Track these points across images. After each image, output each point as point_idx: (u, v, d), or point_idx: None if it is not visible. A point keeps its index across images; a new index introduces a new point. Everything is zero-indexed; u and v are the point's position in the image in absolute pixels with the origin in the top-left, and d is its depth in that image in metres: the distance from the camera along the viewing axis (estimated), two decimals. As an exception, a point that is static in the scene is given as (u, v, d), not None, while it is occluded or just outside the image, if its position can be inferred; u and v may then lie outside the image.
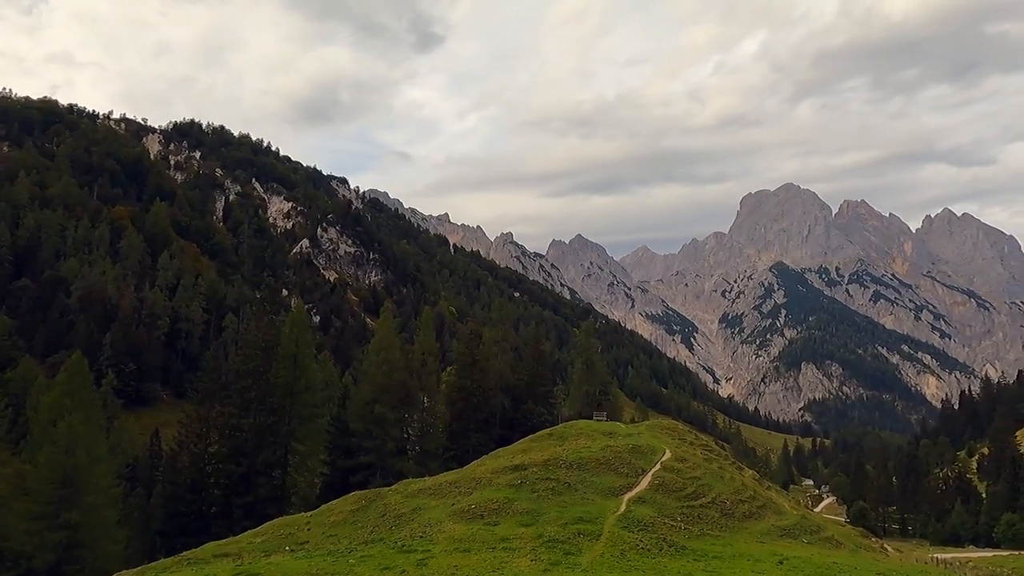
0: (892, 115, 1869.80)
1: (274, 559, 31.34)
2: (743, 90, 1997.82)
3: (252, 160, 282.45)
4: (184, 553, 35.53)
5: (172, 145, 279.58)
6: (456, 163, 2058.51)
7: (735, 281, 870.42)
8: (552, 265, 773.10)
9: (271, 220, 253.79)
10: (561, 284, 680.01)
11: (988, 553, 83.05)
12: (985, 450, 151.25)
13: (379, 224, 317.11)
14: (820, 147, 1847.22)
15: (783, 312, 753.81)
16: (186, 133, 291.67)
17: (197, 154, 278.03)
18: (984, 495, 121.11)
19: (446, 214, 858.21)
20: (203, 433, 57.90)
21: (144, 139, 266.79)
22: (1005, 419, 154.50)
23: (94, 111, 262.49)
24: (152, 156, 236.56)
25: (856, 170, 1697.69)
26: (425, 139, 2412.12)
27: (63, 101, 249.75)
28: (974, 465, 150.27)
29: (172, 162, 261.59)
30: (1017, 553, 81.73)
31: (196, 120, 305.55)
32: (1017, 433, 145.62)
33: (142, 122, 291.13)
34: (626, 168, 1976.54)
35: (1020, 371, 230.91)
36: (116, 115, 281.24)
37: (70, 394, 52.25)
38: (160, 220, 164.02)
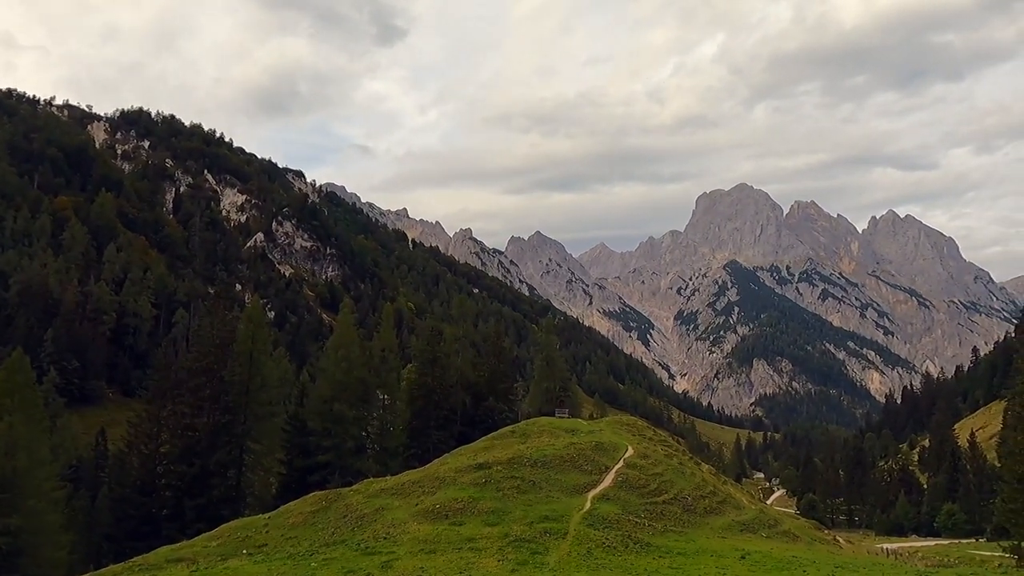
0: (842, 119, 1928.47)
1: (231, 563, 30.34)
2: (701, 91, 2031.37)
3: (204, 151, 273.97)
4: (135, 559, 34.13)
5: (119, 134, 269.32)
6: (417, 157, 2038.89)
7: (690, 279, 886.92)
8: (511, 261, 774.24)
9: (224, 213, 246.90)
10: (520, 280, 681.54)
11: (931, 542, 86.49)
12: (926, 443, 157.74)
13: (336, 218, 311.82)
14: (773, 149, 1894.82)
15: (736, 309, 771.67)
16: (134, 122, 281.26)
17: (146, 143, 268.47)
18: (925, 486, 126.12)
19: (404, 209, 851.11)
20: (154, 433, 55.89)
21: (89, 127, 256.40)
22: (944, 413, 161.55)
23: (35, 96, 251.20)
24: (97, 145, 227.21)
25: (808, 172, 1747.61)
26: (385, 133, 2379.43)
27: (5, 86, 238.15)
28: (915, 457, 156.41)
29: (119, 151, 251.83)
30: (958, 542, 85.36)
31: (145, 108, 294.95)
32: (956, 426, 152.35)
33: (87, 109, 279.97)
34: (586, 166, 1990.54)
35: (957, 367, 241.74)
36: (59, 101, 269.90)
37: (10, 393, 49.66)
38: (106, 211, 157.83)
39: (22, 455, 45.34)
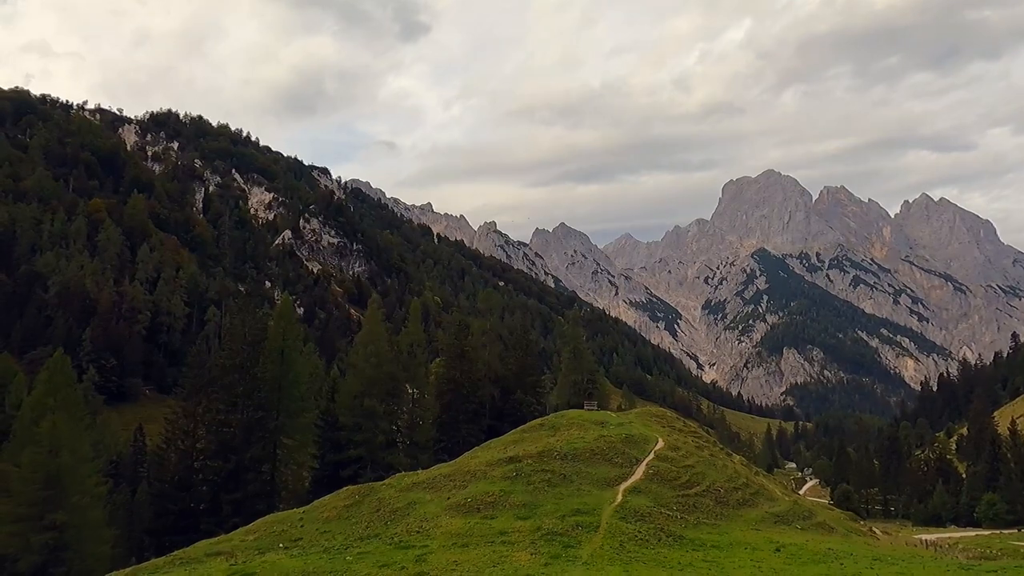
0: (874, 102, 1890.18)
1: (268, 557, 30.84)
2: (728, 78, 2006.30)
3: (231, 151, 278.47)
4: (175, 552, 34.89)
5: (149, 136, 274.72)
6: (441, 153, 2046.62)
7: (717, 268, 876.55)
8: (536, 254, 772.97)
9: (252, 211, 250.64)
10: (545, 273, 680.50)
11: (971, 533, 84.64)
12: (964, 431, 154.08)
13: (362, 215, 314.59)
14: (803, 134, 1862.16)
15: (765, 298, 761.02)
16: (163, 124, 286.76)
17: (175, 145, 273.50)
18: (964, 475, 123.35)
19: (429, 204, 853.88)
20: (190, 429, 57.01)
21: (120, 130, 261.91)
22: (983, 400, 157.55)
23: (67, 101, 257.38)
24: (128, 147, 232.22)
25: (839, 157, 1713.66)
26: (410, 129, 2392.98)
27: (40, 92, 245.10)
28: (953, 446, 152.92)
29: (149, 153, 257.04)
30: (999, 532, 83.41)
31: (173, 110, 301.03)
32: (995, 414, 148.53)
33: (117, 112, 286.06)
34: (612, 156, 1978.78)
35: (996, 353, 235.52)
36: (91, 105, 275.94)
37: (52, 393, 51.13)
38: (138, 213, 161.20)
39: (65, 452, 46.63)
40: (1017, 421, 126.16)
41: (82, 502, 47.41)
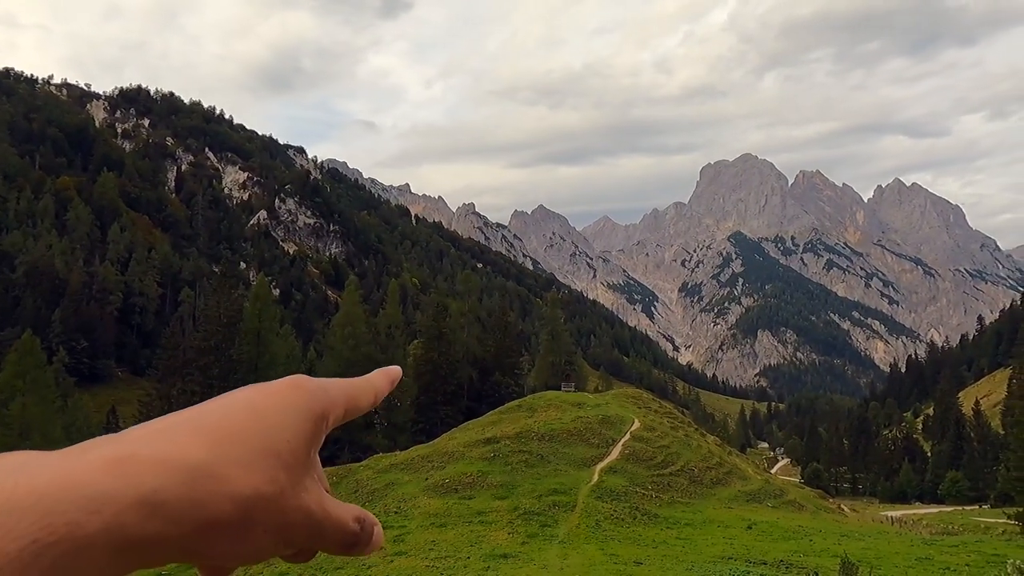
0: (853, 87, 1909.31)
1: (246, 539, 30.84)
2: (710, 61, 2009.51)
3: (204, 129, 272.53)
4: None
5: (119, 112, 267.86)
6: (421, 133, 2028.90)
7: (694, 251, 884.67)
8: (515, 236, 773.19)
9: (226, 191, 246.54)
10: (524, 255, 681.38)
11: (934, 509, 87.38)
12: (930, 411, 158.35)
13: (339, 195, 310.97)
14: (783, 118, 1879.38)
15: (740, 281, 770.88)
16: (133, 100, 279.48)
17: (146, 122, 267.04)
18: (929, 454, 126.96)
19: (407, 184, 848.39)
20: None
21: (88, 105, 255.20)
22: (949, 381, 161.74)
23: (33, 75, 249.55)
24: (97, 124, 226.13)
25: (817, 141, 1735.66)
26: (390, 108, 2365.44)
27: (3, 65, 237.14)
28: (919, 425, 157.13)
29: (119, 130, 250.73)
30: (961, 509, 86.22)
31: (144, 86, 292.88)
32: (960, 394, 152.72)
33: (85, 87, 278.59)
34: (593, 138, 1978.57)
35: (962, 335, 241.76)
36: (57, 80, 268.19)
37: (22, 375, 50.25)
38: (109, 191, 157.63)
39: (36, 435, 45.99)
40: (981, 401, 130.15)
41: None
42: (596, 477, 37.68)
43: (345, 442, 64.23)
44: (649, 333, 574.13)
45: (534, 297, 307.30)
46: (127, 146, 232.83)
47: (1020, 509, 33.93)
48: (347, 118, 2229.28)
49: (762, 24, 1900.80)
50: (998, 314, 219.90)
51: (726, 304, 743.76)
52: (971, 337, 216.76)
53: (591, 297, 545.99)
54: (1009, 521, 39.32)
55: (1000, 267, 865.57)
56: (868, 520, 48.46)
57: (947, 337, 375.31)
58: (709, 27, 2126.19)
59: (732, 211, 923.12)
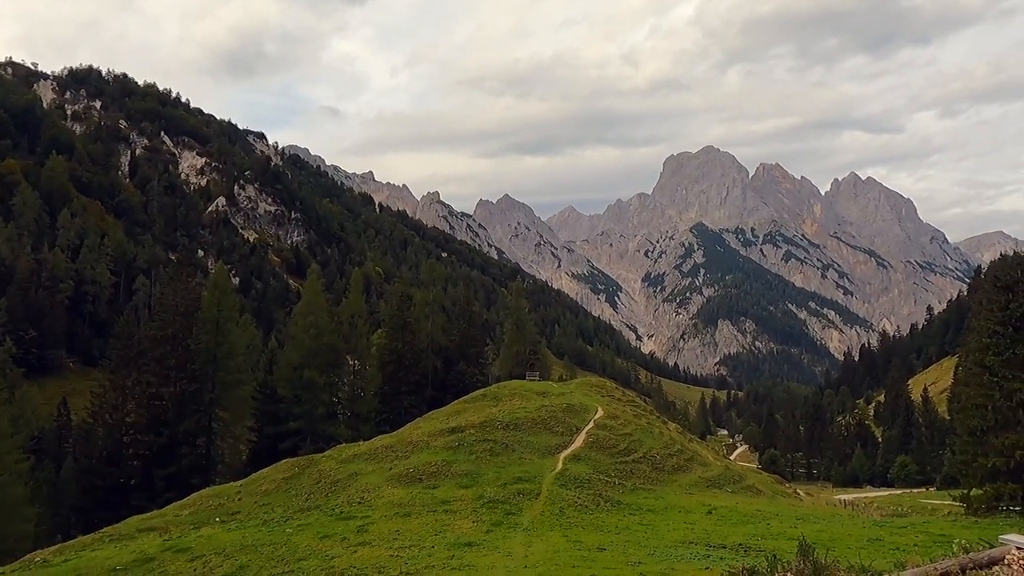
0: (813, 83, 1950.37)
1: (204, 531, 30.19)
2: (676, 54, 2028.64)
3: (160, 112, 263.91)
4: (105, 529, 33.73)
5: (68, 94, 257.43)
6: (387, 121, 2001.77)
7: (657, 241, 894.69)
8: (479, 225, 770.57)
9: (183, 176, 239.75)
10: (488, 244, 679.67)
11: (884, 492, 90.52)
12: (881, 398, 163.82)
13: (300, 182, 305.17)
14: (745, 112, 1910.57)
15: (702, 271, 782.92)
16: (84, 81, 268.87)
17: (97, 104, 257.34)
18: (880, 439, 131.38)
19: (371, 172, 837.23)
20: (119, 403, 54.89)
21: (35, 86, 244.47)
22: (899, 369, 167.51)
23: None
24: (45, 105, 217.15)
25: (778, 135, 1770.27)
26: (355, 95, 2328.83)
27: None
28: (872, 412, 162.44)
29: (69, 112, 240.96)
30: (910, 491, 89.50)
31: (95, 67, 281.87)
32: (909, 382, 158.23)
33: (32, 67, 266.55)
34: (559, 129, 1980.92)
35: (912, 325, 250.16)
36: (1, 58, 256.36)
37: (-35, 365, 48.11)
38: (58, 175, 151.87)
39: (-19, 428, 44.23)
40: (929, 388, 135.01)
41: (2, 480, 45.20)
42: (560, 465, 37.94)
43: (307, 433, 63.43)
44: (612, 322, 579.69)
45: (499, 286, 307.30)
46: (77, 129, 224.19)
47: (965, 491, 35.26)
48: (311, 104, 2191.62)
49: (725, 20, 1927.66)
50: (946, 304, 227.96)
51: (688, 294, 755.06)
52: (920, 327, 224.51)
53: (555, 287, 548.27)
54: (955, 503, 40.90)
55: (948, 259, 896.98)
56: (822, 504, 49.91)
57: (898, 327, 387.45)
58: (675, 21, 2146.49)
59: (694, 202, 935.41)
